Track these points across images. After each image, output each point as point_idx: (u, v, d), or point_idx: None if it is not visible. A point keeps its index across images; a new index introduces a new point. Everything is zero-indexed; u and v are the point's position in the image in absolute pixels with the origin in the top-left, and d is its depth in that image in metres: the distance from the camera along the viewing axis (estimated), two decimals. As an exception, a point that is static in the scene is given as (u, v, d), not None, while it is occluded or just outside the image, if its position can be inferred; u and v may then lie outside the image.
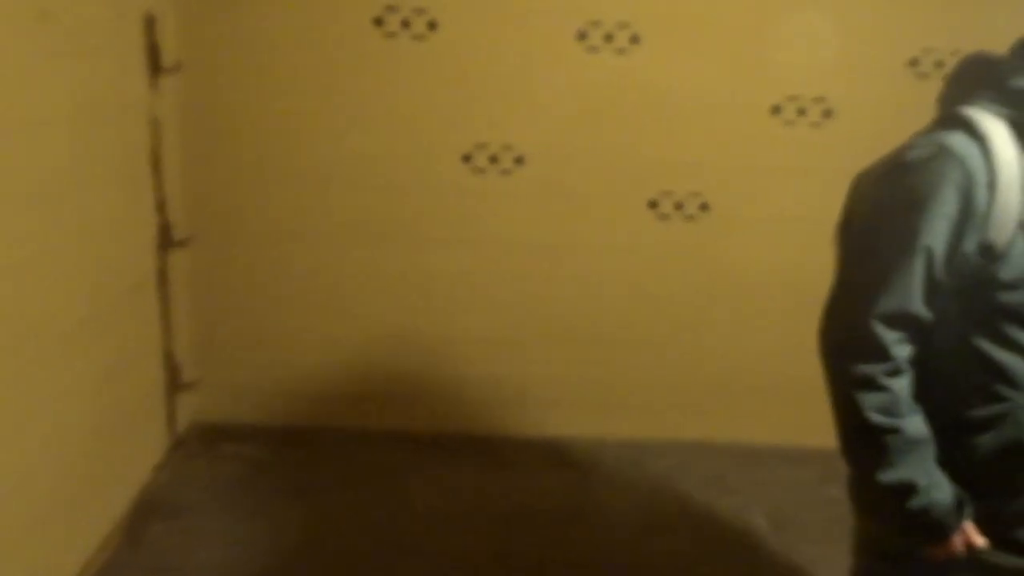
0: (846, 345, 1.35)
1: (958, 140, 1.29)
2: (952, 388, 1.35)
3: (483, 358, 3.43)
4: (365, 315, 3.39)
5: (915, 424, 1.32)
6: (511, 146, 3.23)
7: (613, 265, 3.36)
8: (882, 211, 1.36)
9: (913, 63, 3.14)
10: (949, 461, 1.35)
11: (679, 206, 3.31)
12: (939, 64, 3.10)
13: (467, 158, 3.23)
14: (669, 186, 3.29)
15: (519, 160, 3.24)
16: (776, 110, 3.21)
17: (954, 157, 1.27)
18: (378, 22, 3.07)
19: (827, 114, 3.20)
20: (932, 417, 1.35)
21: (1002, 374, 1.31)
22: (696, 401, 3.48)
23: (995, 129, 1.28)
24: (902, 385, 1.31)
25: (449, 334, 3.42)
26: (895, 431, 1.30)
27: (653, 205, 3.30)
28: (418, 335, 3.41)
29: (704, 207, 3.30)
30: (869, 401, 1.30)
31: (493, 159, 3.24)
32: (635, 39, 3.12)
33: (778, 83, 3.19)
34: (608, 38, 3.11)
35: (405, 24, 3.08)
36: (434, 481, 3.12)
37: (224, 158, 3.21)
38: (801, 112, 3.21)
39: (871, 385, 1.31)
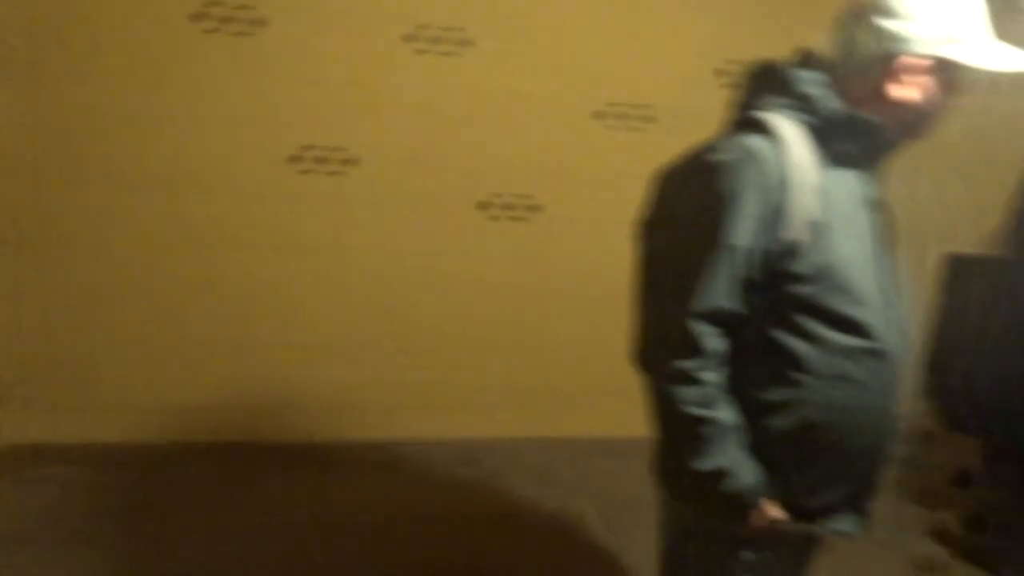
0: (662, 342, 1.40)
1: (756, 142, 1.35)
2: (752, 374, 1.41)
3: (316, 364, 3.38)
4: (195, 324, 3.27)
5: (728, 414, 1.38)
6: (342, 148, 3.21)
7: (444, 267, 3.39)
8: (689, 212, 1.40)
9: (718, 73, 3.34)
10: (751, 442, 1.42)
11: (509, 207, 3.38)
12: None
13: (294, 159, 3.18)
14: (499, 188, 3.35)
15: (350, 162, 3.22)
16: (600, 115, 3.33)
17: (754, 159, 1.33)
18: (197, 18, 2.98)
19: (649, 119, 3.35)
20: (735, 401, 1.42)
21: (794, 361, 1.38)
22: (527, 399, 3.55)
23: (788, 131, 1.35)
24: (716, 378, 1.38)
25: (281, 341, 3.35)
26: (710, 422, 1.36)
27: (483, 207, 3.36)
28: (251, 343, 3.33)
29: (533, 208, 3.39)
30: (685, 395, 1.36)
31: (321, 161, 3.20)
32: (465, 43, 3.17)
33: (602, 89, 3.32)
34: (437, 41, 3.15)
35: (226, 20, 3.00)
36: (273, 492, 3.03)
37: (46, 162, 3.05)
38: (623, 116, 3.34)
39: (687, 380, 1.36)
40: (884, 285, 1.44)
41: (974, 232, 3.21)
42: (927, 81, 1.37)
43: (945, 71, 1.37)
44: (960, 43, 1.35)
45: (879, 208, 1.47)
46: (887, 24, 1.34)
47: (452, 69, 3.19)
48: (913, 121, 1.41)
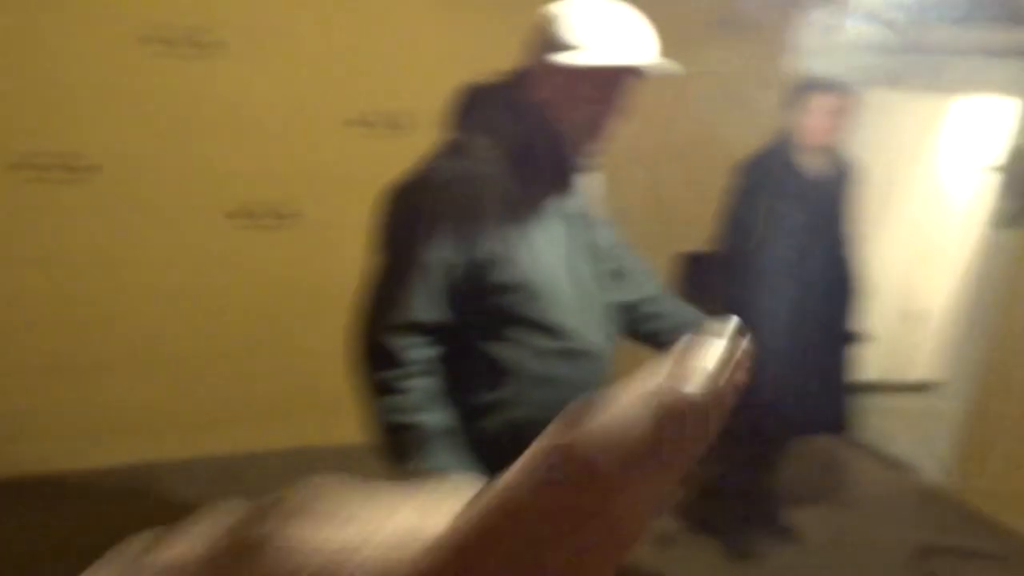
0: (364, 355, 1.47)
1: (454, 163, 1.45)
2: (465, 379, 1.48)
3: (50, 387, 3.14)
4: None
5: (435, 418, 1.44)
6: (81, 154, 3.03)
7: (191, 279, 3.25)
8: (390, 228, 1.49)
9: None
10: (467, 443, 1.48)
11: (257, 216, 3.29)
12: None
13: (18, 167, 2.97)
14: (248, 196, 3.26)
15: (84, 169, 3.04)
16: (354, 122, 3.32)
17: (452, 180, 1.43)
18: None
19: (404, 127, 3.36)
20: (451, 406, 1.48)
21: (500, 366, 1.47)
22: (285, 408, 3.45)
23: (485, 152, 1.45)
24: (420, 386, 1.44)
25: (7, 362, 3.10)
26: (415, 427, 1.42)
27: (232, 216, 3.26)
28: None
29: (285, 217, 3.32)
30: (390, 404, 1.43)
31: (47, 168, 3.01)
32: (214, 45, 3.06)
33: (357, 96, 3.31)
34: (180, 43, 3.03)
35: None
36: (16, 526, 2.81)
37: None
38: (377, 124, 3.34)
39: (389, 390, 1.43)
40: (583, 290, 1.52)
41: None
42: (595, 87, 1.45)
43: (612, 76, 1.45)
44: (614, 48, 1.42)
45: (578, 217, 1.55)
46: (557, 36, 1.42)
47: (200, 73, 3.08)
48: (592, 127, 1.49)
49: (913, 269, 4.98)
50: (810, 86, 2.79)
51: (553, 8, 1.46)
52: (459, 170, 1.45)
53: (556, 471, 0.49)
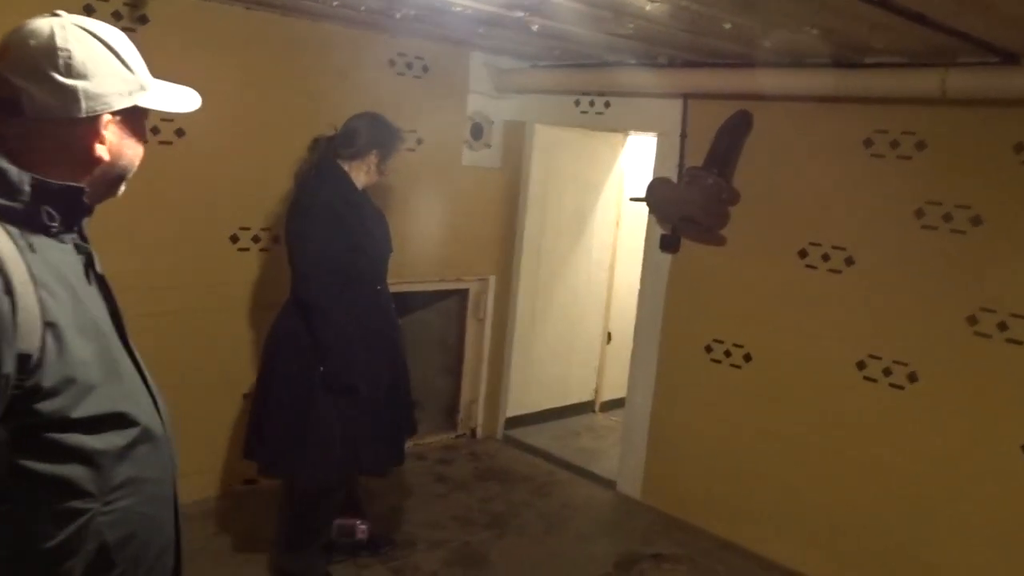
0: None
1: None
2: (26, 530, 1.14)
3: None
4: None
5: None
6: None
7: None
8: None
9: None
10: None
11: None
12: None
13: None
14: None
15: None
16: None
17: None
18: None
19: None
20: (12, 563, 1.13)
21: (68, 488, 1.15)
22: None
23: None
24: None
25: None
26: None
27: None
28: None
29: None
30: None
31: None
32: None
33: None
34: None
35: None
36: None
37: None
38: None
39: None
40: (129, 364, 1.29)
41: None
42: (126, 133, 1.27)
43: (136, 121, 1.29)
44: (148, 90, 1.28)
45: (101, 281, 1.33)
46: (73, 83, 1.17)
47: None
48: (116, 177, 1.29)
49: (609, 293, 5.33)
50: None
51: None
52: None
53: None
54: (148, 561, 1.29)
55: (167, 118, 3.21)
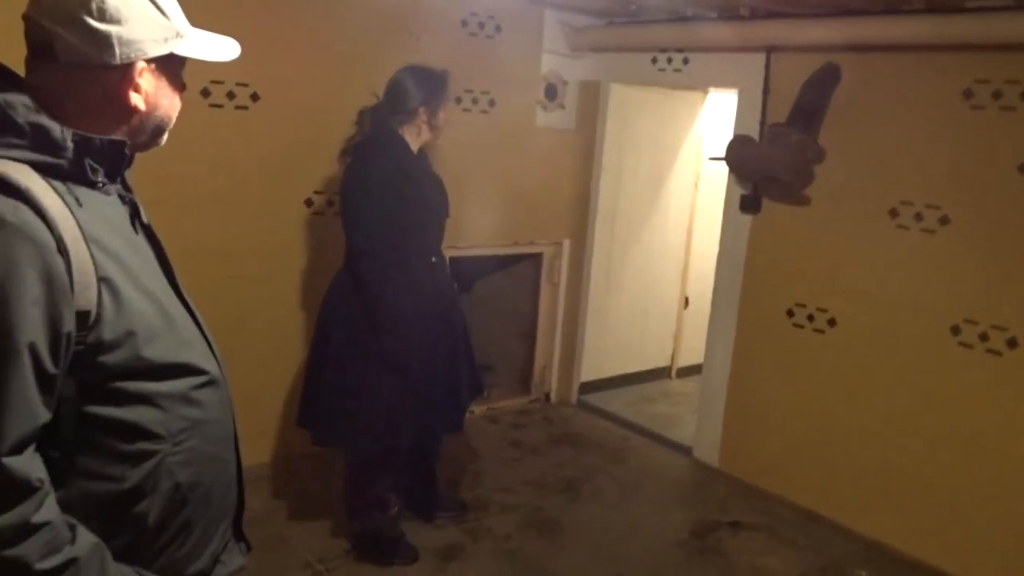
0: None
1: (7, 208, 1.06)
2: (94, 470, 1.17)
3: None
4: None
5: (84, 540, 1.11)
6: None
7: None
8: None
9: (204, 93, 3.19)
10: (127, 546, 1.19)
11: None
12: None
13: None
14: None
15: None
16: None
17: (17, 230, 1.05)
18: None
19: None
20: (88, 511, 1.15)
21: (136, 432, 1.18)
22: None
23: (31, 181, 1.09)
24: (54, 508, 1.09)
25: None
26: (75, 562, 1.08)
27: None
28: None
29: None
30: (33, 551, 1.05)
31: None
32: None
33: None
34: None
35: None
36: None
37: None
38: None
39: (28, 532, 1.05)
40: (183, 310, 1.31)
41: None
42: (162, 82, 1.25)
43: (172, 70, 1.27)
44: (185, 38, 1.25)
45: (148, 230, 1.34)
46: (107, 28, 1.15)
47: None
48: (155, 127, 1.28)
49: (686, 257, 5.21)
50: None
51: None
52: (20, 215, 1.07)
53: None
54: (216, 499, 1.34)
55: (242, 82, 3.24)
